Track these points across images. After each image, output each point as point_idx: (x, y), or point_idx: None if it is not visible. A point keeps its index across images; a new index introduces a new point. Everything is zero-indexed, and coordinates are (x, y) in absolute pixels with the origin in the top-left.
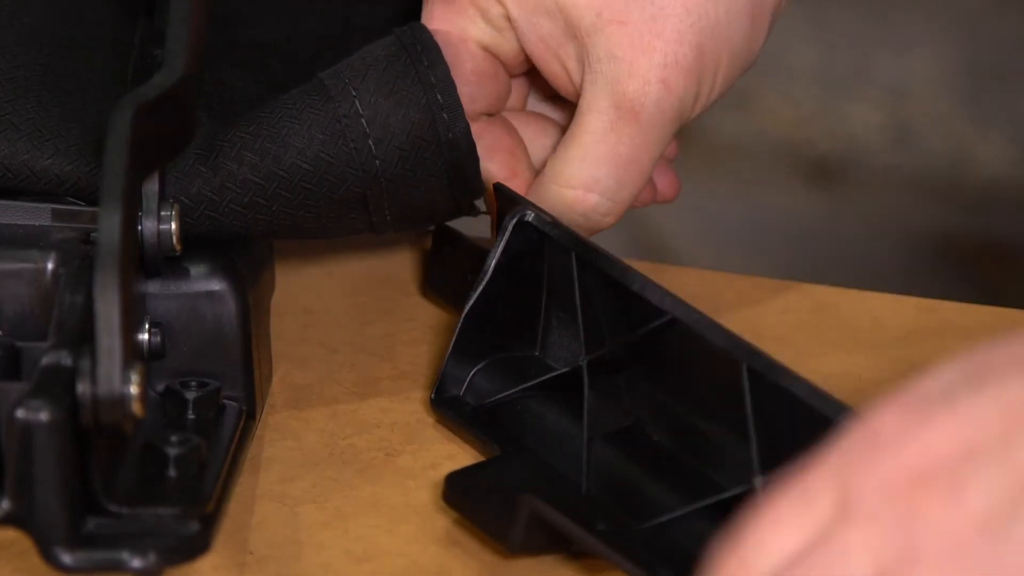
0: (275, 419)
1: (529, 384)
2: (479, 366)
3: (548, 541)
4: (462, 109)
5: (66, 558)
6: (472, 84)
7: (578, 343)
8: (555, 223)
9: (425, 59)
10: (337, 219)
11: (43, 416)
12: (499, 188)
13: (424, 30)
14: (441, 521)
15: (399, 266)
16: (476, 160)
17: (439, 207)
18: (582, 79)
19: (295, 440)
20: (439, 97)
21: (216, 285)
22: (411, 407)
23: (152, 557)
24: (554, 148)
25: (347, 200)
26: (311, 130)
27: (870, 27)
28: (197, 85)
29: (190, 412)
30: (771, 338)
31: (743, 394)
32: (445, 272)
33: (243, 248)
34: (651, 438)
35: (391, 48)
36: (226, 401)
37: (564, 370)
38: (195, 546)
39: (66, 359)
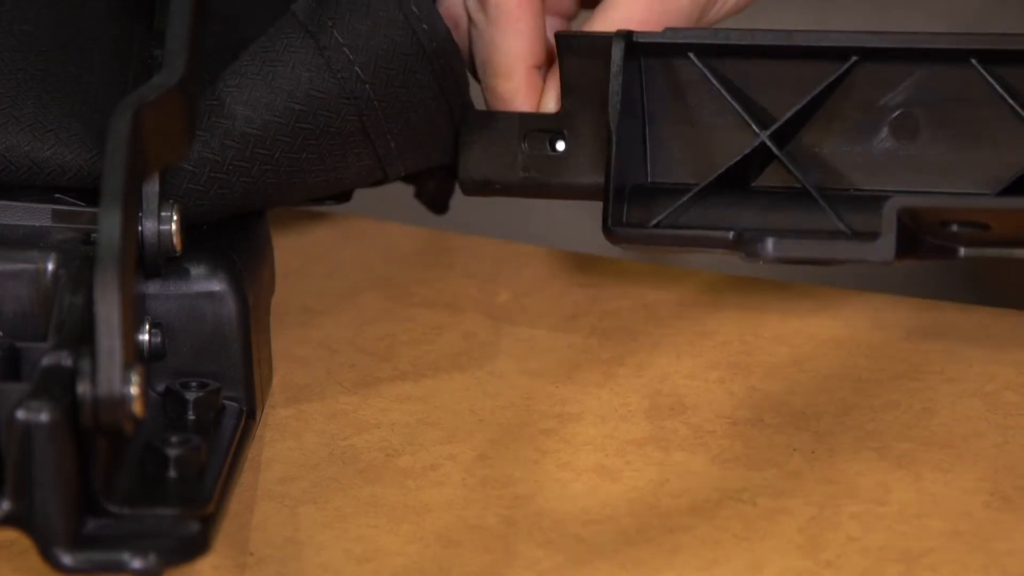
0: (275, 419)
1: (700, 185)
2: (627, 200)
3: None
4: (440, 17)
5: (66, 559)
6: None
7: (711, 147)
8: (670, 29)
9: None
10: (342, 157)
11: (43, 417)
12: (561, 35)
13: None
14: (441, 521)
15: (399, 267)
16: (462, 62)
17: (439, 125)
18: None
19: (295, 440)
20: (414, 9)
21: (216, 285)
22: (411, 407)
23: (152, 558)
24: None
25: (347, 132)
26: (296, 69)
27: (870, 27)
28: (197, 85)
29: (190, 413)
30: (771, 338)
31: (991, 87)
32: (490, 154)
33: (243, 248)
34: None
35: None
36: (226, 401)
37: (748, 150)
38: (195, 547)
39: (66, 360)
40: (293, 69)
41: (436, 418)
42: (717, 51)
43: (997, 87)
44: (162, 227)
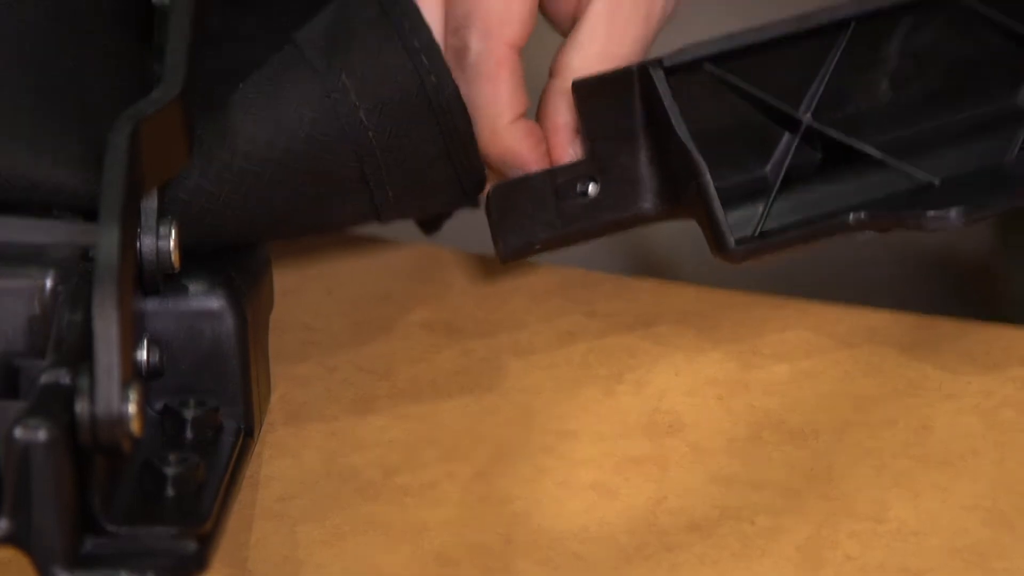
0: (274, 437)
1: (776, 184)
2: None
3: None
4: (448, 71)
5: None
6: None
7: (745, 142)
8: (689, 47)
9: (407, 22)
10: (339, 201)
11: (41, 435)
12: (578, 82)
13: None
14: (439, 539)
15: (398, 284)
16: (469, 122)
17: (440, 180)
18: None
19: (294, 458)
20: (424, 61)
21: (215, 303)
22: (410, 425)
23: None
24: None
25: (345, 177)
26: (300, 109)
27: None
28: (195, 100)
29: (188, 431)
30: (770, 355)
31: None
32: (526, 221)
33: (242, 265)
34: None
35: (371, 13)
36: (224, 420)
37: (798, 135)
38: (193, 565)
39: (64, 377)
40: (297, 109)
41: (434, 436)
42: (732, 55)
43: (990, 16)
44: (160, 243)
